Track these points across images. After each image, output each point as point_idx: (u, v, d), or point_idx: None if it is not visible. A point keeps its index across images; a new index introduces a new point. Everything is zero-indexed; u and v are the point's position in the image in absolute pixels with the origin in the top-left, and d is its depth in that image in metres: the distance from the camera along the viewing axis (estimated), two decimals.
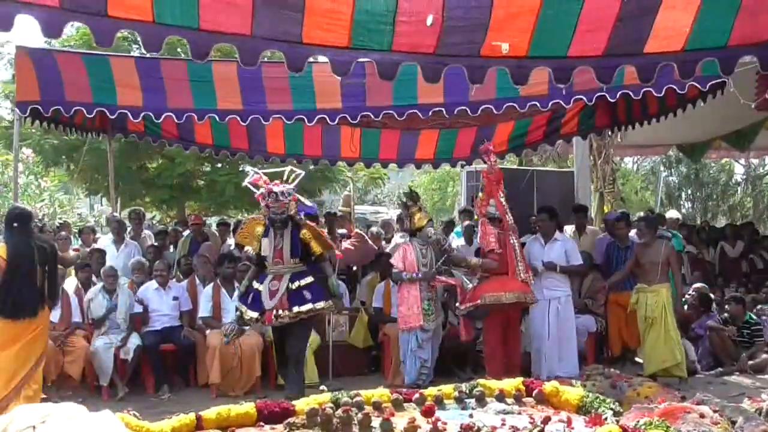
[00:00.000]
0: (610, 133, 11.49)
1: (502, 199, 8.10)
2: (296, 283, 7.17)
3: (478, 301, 7.78)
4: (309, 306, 7.14)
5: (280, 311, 7.06)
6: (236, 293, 8.77)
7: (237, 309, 7.54)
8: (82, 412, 4.13)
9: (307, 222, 7.66)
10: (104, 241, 10.36)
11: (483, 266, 7.98)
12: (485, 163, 8.13)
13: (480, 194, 8.13)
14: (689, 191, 26.60)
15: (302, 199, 7.54)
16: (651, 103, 9.03)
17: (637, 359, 9.31)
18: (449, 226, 11.65)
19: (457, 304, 8.07)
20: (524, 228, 11.23)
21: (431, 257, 8.23)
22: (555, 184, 13.48)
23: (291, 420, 4.37)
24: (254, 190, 7.25)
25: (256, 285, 7.33)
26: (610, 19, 5.43)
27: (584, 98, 8.27)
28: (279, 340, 7.58)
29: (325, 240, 7.50)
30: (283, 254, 7.22)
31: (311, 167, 13.80)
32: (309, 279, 7.24)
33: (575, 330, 8.72)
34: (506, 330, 8.13)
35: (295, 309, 7.08)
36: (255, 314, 7.23)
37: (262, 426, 4.44)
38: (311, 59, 5.90)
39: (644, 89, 7.64)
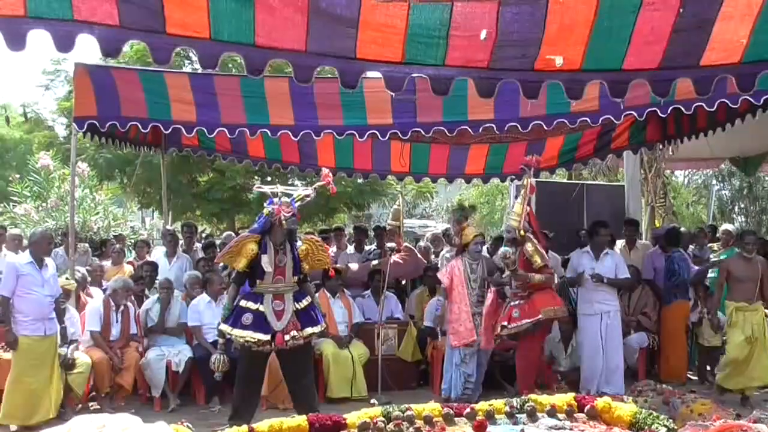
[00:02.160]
0: (660, 146, 11.35)
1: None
2: (302, 303, 6.74)
3: (540, 317, 7.66)
4: (320, 326, 6.85)
5: (294, 332, 6.58)
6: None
7: (221, 334, 6.73)
8: (138, 423, 4.20)
9: (306, 235, 7.48)
10: (157, 253, 10.53)
11: (546, 282, 7.90)
12: (526, 173, 8.05)
13: (518, 208, 7.94)
14: (742, 205, 26.07)
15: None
16: (700, 117, 8.92)
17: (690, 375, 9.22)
18: (497, 242, 11.61)
19: (505, 323, 7.80)
20: (573, 242, 11.20)
21: (481, 273, 8.21)
22: (605, 197, 13.37)
23: None
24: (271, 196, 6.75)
25: (249, 305, 6.63)
26: (665, 30, 5.37)
27: (635, 113, 8.16)
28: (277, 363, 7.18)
29: (324, 256, 6.99)
30: (286, 272, 6.67)
31: (359, 180, 13.91)
32: (309, 298, 6.86)
33: (622, 346, 8.66)
34: (541, 345, 8.26)
35: (308, 330, 6.68)
36: (266, 337, 6.53)
37: None
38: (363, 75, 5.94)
39: (696, 104, 7.54)
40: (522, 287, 7.76)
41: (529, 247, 7.71)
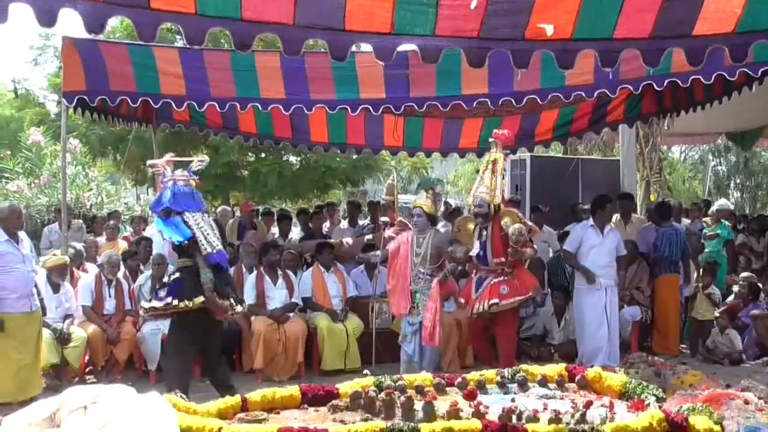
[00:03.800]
0: (657, 120, 11.32)
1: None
2: None
3: (530, 294, 7.59)
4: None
5: None
6: (280, 280, 8.91)
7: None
8: (132, 394, 4.20)
9: None
10: (151, 230, 10.52)
11: (534, 255, 7.89)
12: (494, 147, 7.74)
13: (497, 181, 7.81)
14: (738, 180, 26.10)
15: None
16: (697, 90, 8.87)
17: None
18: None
19: (495, 300, 7.46)
20: (567, 217, 11.20)
21: (426, 249, 7.85)
22: (600, 172, 13.37)
23: (335, 402, 4.39)
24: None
25: None
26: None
27: (630, 87, 8.10)
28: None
29: None
30: None
31: (354, 156, 13.86)
32: None
33: (619, 320, 8.71)
34: None
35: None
36: None
37: (307, 408, 4.47)
38: (354, 48, 5.89)
39: (692, 77, 7.49)
40: (509, 264, 7.51)
41: (507, 221, 7.44)
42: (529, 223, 7.83)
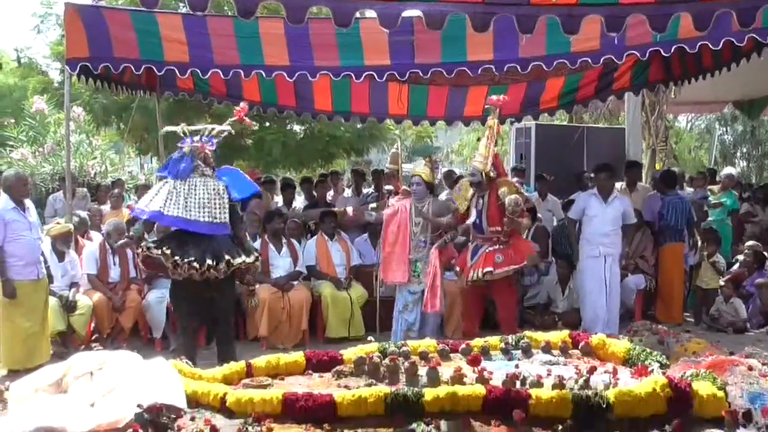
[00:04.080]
0: (664, 88, 11.24)
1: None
2: None
3: (525, 263, 7.53)
4: None
5: None
6: (284, 249, 8.93)
7: None
8: (137, 360, 4.23)
9: None
10: None
11: (525, 226, 7.83)
12: (491, 114, 7.61)
13: (489, 149, 7.75)
14: (744, 150, 25.98)
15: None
16: (705, 56, 8.80)
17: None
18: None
19: (489, 268, 7.38)
20: (572, 185, 11.17)
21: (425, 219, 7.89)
22: (606, 141, 13.33)
23: (339, 368, 4.41)
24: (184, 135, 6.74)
25: None
26: None
27: (637, 53, 8.01)
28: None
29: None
30: None
31: (358, 126, 13.80)
32: None
33: (620, 290, 8.69)
34: None
35: None
36: None
37: (311, 374, 4.49)
38: (358, 14, 5.85)
39: (700, 43, 7.42)
40: (504, 234, 7.45)
41: (505, 191, 7.35)
42: (526, 194, 7.83)
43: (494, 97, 7.72)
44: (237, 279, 6.90)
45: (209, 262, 6.32)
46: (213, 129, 6.70)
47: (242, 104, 6.94)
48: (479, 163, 7.48)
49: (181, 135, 6.63)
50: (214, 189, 6.56)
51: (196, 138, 6.57)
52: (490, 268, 7.33)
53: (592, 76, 10.20)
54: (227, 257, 6.41)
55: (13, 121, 14.15)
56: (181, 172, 6.58)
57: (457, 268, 7.76)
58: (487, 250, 7.45)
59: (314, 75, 8.44)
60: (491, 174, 7.45)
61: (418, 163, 8.23)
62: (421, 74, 8.43)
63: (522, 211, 7.34)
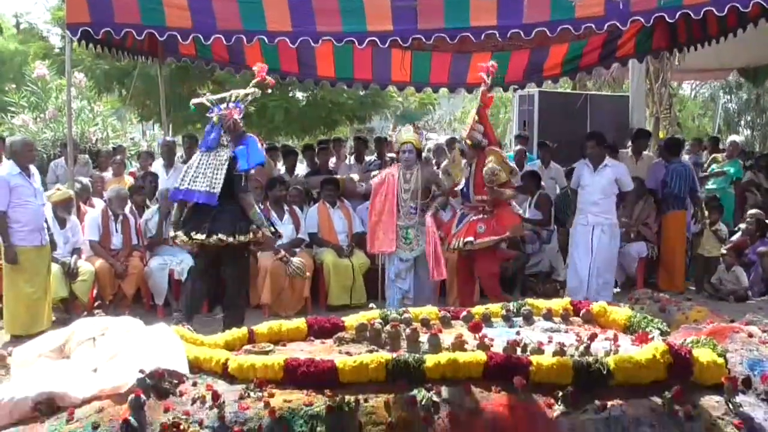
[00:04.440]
0: (668, 55, 11.15)
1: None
2: None
3: (507, 234, 7.51)
4: None
5: None
6: (286, 216, 8.92)
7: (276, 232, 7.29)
8: (139, 325, 4.25)
9: None
10: (156, 165, 10.51)
11: (514, 196, 7.76)
12: (483, 84, 7.63)
13: (476, 117, 7.74)
14: (749, 118, 25.84)
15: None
16: (711, 23, 8.72)
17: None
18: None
19: (470, 238, 7.46)
20: (576, 153, 11.13)
21: (415, 184, 7.81)
22: (609, 108, 13.28)
23: (340, 335, 4.42)
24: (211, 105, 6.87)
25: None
26: None
27: (642, 19, 7.95)
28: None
29: None
30: None
31: (361, 93, 13.74)
32: None
33: (614, 262, 8.65)
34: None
35: None
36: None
37: (313, 341, 4.50)
38: None
39: (705, 8, 7.36)
40: (489, 203, 7.49)
41: (492, 160, 7.36)
42: (512, 165, 7.81)
43: (484, 65, 7.71)
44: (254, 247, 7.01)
45: (221, 236, 6.59)
46: (239, 93, 6.71)
47: (259, 64, 7.01)
48: (464, 131, 7.57)
49: (208, 105, 6.66)
50: (219, 158, 6.59)
51: (223, 106, 6.59)
52: (470, 238, 7.40)
53: (596, 42, 10.13)
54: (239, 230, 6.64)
55: (14, 86, 14.10)
56: (210, 142, 6.73)
57: (443, 234, 7.78)
58: (471, 219, 7.52)
59: (317, 41, 8.37)
60: (481, 143, 7.48)
61: (406, 129, 8.16)
62: (424, 40, 8.34)
63: (499, 181, 7.35)
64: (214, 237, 6.58)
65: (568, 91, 15.80)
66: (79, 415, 3.43)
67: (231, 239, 6.63)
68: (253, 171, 6.87)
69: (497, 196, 7.44)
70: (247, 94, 6.79)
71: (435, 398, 3.49)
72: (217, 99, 6.74)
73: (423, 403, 3.46)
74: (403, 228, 7.81)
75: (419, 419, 3.42)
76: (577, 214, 8.63)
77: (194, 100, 7.05)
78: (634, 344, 4.16)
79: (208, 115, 6.71)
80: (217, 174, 6.58)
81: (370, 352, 3.97)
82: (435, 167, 8.60)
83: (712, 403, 3.65)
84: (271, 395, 3.52)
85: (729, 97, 25.53)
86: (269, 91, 7.35)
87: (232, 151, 6.65)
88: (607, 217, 8.46)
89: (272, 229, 7.02)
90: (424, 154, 10.96)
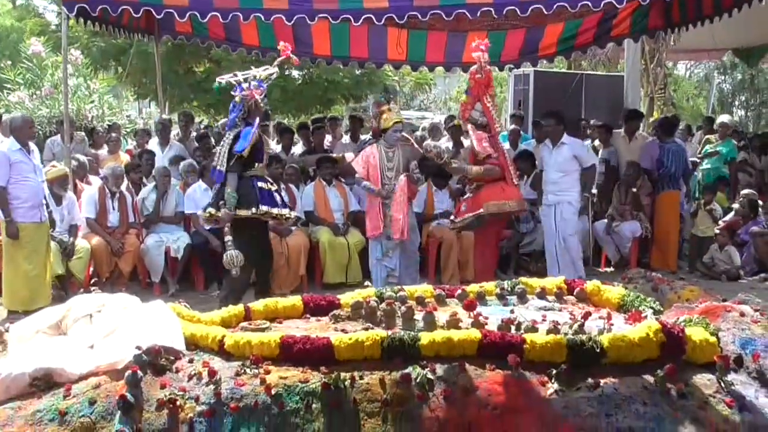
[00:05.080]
0: (663, 35, 11.14)
1: (489, 104, 7.59)
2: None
3: (481, 211, 7.46)
4: None
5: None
6: (282, 194, 8.91)
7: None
8: (136, 302, 4.27)
9: None
10: (152, 143, 10.51)
11: (485, 174, 7.54)
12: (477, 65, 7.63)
13: (465, 97, 7.78)
14: (743, 98, 25.87)
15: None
16: (706, 3, 8.71)
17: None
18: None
19: (453, 217, 7.73)
20: (573, 132, 11.14)
21: (398, 162, 7.77)
22: (604, 88, 13.28)
23: (336, 312, 4.45)
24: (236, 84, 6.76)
25: (263, 185, 6.80)
26: None
27: None
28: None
29: None
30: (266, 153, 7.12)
31: (357, 72, 13.71)
32: None
33: (577, 236, 8.61)
34: (498, 240, 8.18)
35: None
36: (286, 211, 6.92)
37: (308, 318, 4.53)
38: None
39: None
40: (470, 180, 7.54)
41: (471, 137, 7.46)
42: (482, 142, 7.62)
43: (474, 44, 7.78)
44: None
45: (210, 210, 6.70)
46: (261, 73, 6.74)
47: (283, 43, 7.01)
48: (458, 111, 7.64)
49: (234, 84, 6.67)
50: (229, 138, 6.63)
51: (245, 85, 6.59)
52: (452, 217, 7.70)
53: (591, 22, 10.12)
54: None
55: (10, 63, 14.03)
56: (230, 122, 6.80)
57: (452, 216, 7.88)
58: (462, 198, 7.75)
59: (313, 18, 8.32)
60: (477, 121, 7.57)
61: (394, 108, 8.16)
62: (419, 17, 8.30)
63: (439, 155, 7.52)
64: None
65: (564, 70, 15.78)
66: (75, 391, 3.46)
67: (203, 213, 6.81)
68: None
69: (458, 173, 7.71)
70: (270, 74, 6.78)
71: (430, 376, 3.52)
72: (241, 78, 6.74)
73: (418, 380, 3.49)
74: (389, 206, 7.75)
75: (414, 396, 3.45)
76: (543, 195, 8.64)
77: (219, 78, 7.02)
78: (628, 323, 4.19)
79: (232, 93, 6.71)
80: (222, 152, 6.63)
81: (366, 329, 3.99)
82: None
83: (704, 381, 3.68)
84: (267, 372, 3.55)
85: (723, 77, 25.55)
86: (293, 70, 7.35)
87: (239, 130, 6.66)
88: (568, 194, 8.41)
89: (286, 214, 6.94)
90: (418, 133, 11.04)
